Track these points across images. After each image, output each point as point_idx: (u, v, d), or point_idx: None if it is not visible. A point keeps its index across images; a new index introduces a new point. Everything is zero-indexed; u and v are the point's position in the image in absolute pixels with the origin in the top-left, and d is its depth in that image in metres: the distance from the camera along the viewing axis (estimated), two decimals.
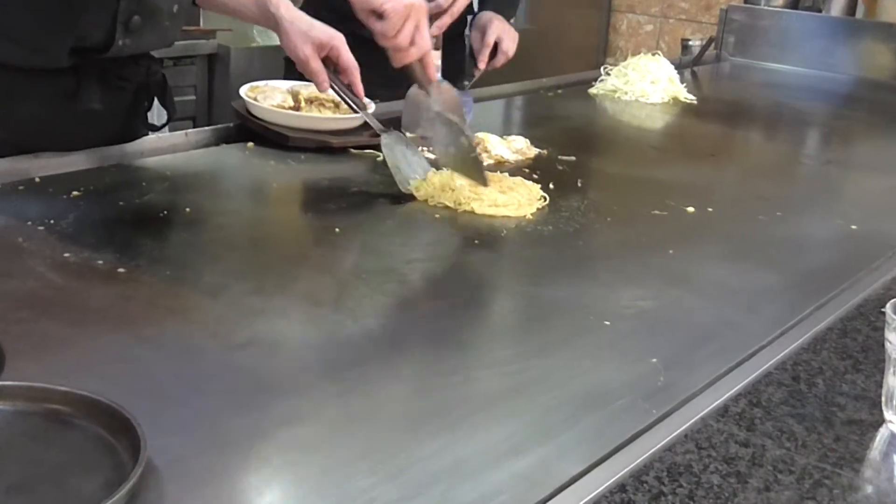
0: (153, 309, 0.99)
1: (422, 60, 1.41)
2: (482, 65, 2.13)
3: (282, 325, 0.98)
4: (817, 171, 1.85)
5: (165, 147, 1.53)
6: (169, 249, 1.16)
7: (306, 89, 1.68)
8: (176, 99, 1.59)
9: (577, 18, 4.50)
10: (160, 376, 0.86)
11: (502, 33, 2.16)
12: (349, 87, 1.53)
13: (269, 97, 1.61)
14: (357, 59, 1.55)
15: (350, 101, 1.55)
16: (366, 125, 1.63)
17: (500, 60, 2.17)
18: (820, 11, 3.06)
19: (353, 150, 1.59)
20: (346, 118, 1.62)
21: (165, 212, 1.27)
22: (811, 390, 0.94)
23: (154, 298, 1.01)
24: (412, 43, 1.38)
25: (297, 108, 1.63)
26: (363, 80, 1.61)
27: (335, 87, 1.51)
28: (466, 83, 2.09)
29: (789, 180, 1.77)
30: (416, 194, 1.39)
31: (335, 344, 0.95)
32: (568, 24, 4.41)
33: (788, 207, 1.52)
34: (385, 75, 1.71)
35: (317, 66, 1.47)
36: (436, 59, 1.92)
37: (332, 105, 1.66)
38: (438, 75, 1.53)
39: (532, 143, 1.71)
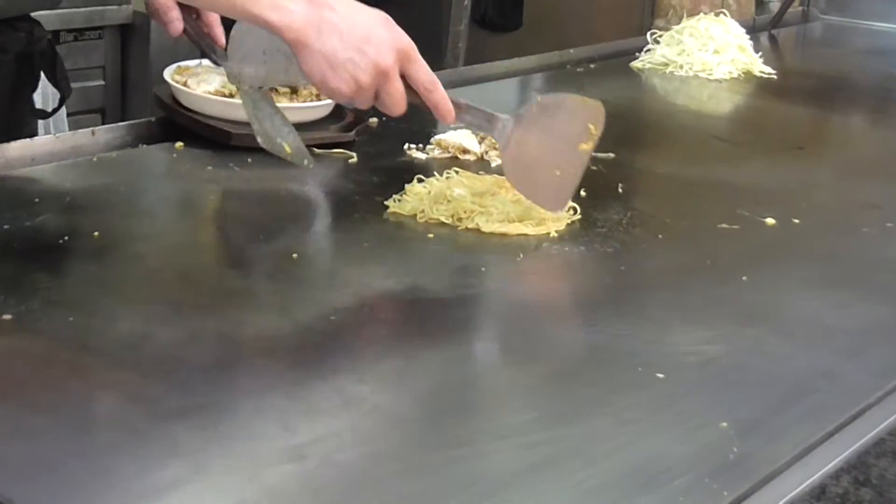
0: (51, 367, 1.00)
1: (431, 100, 1.37)
2: None
3: (225, 384, 0.99)
4: None
5: (65, 150, 1.55)
6: (71, 288, 1.17)
7: None
8: (80, 85, 1.62)
9: None
10: (61, 457, 0.86)
11: None
12: (208, 35, 1.56)
13: (204, 81, 1.63)
14: None
15: (206, 49, 1.57)
16: (333, 115, 1.65)
17: None
18: None
19: (315, 150, 1.61)
20: (308, 106, 1.64)
21: (66, 237, 1.28)
22: None
23: (52, 353, 1.02)
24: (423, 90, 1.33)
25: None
26: None
27: (188, 29, 1.55)
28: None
29: None
30: (397, 209, 1.40)
31: (295, 409, 0.96)
32: None
33: None
34: None
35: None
36: None
37: (286, 91, 1.68)
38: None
39: None
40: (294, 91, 1.68)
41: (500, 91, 2.17)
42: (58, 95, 1.69)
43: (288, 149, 1.46)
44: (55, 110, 1.69)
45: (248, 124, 1.59)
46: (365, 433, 0.94)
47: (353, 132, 1.65)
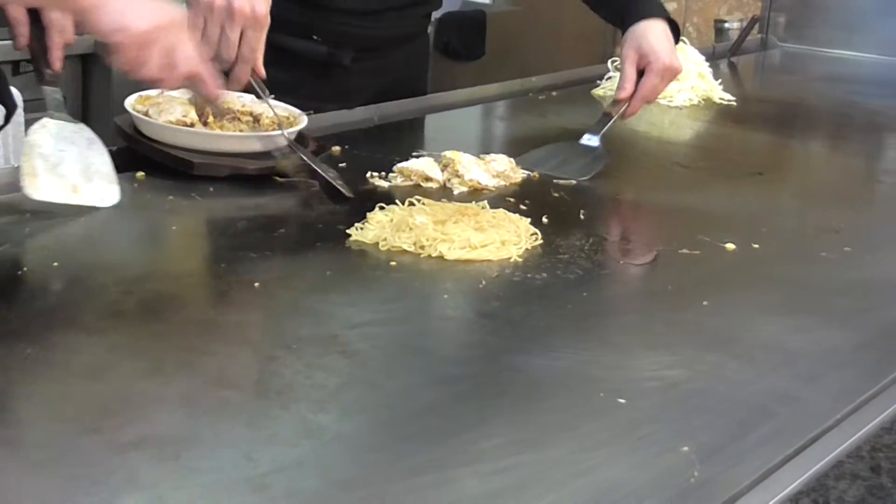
0: (9, 399, 0.99)
1: (193, 79, 1.44)
2: (623, 97, 1.92)
3: (185, 415, 0.99)
4: None
5: None
6: (30, 319, 1.16)
7: None
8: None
9: None
10: (22, 488, 0.86)
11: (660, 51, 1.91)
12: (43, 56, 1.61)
13: (165, 111, 1.63)
14: (281, 77, 1.66)
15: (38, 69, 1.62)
16: (298, 143, 1.66)
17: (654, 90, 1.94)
18: None
19: (277, 179, 1.61)
20: (272, 135, 1.64)
21: (24, 269, 1.27)
22: None
23: (9, 386, 1.02)
24: (168, 68, 1.40)
25: (203, 123, 1.65)
26: (297, 98, 1.72)
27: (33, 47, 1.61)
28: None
29: (862, 205, 1.82)
30: (359, 237, 1.41)
31: (258, 439, 0.96)
32: (564, 4, 4.46)
33: (861, 242, 1.56)
34: (317, 91, 1.97)
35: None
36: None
37: (248, 118, 1.68)
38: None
39: (518, 162, 1.74)
40: (256, 120, 1.68)
41: (463, 118, 2.18)
42: (3, 112, 1.69)
43: (339, 183, 1.54)
44: (1, 127, 1.70)
45: (210, 153, 1.60)
46: (328, 462, 0.94)
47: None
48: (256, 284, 1.26)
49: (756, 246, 1.50)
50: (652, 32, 1.89)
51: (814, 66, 2.98)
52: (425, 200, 1.49)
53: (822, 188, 1.90)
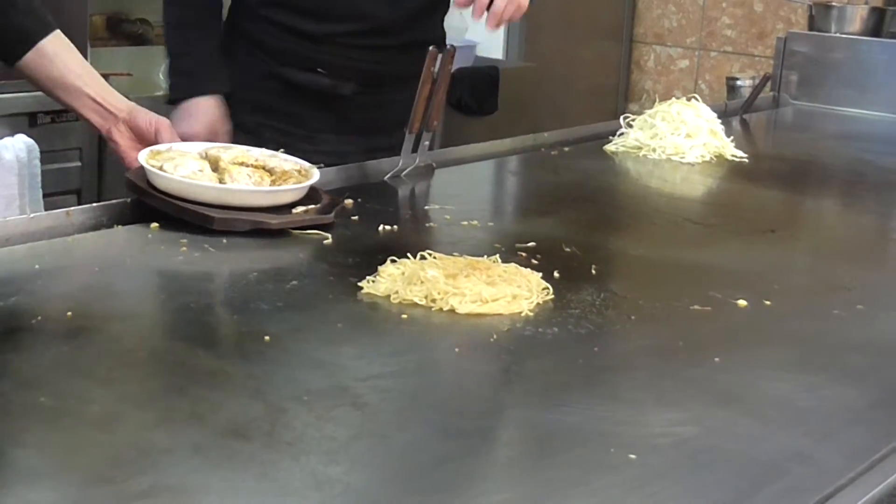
0: (21, 448, 1.00)
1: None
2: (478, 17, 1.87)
3: (196, 466, 0.99)
4: None
5: (39, 230, 1.55)
6: (43, 368, 1.17)
7: (227, 152, 1.72)
8: (56, 166, 1.63)
9: (590, 52, 4.63)
10: None
11: None
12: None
13: (179, 165, 1.64)
14: (287, 108, 1.76)
15: None
16: (309, 197, 1.67)
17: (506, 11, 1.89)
18: None
19: (292, 232, 1.62)
20: (283, 190, 1.65)
21: (38, 318, 1.28)
22: None
23: (21, 434, 1.02)
24: None
25: (218, 177, 1.66)
26: (294, 133, 1.84)
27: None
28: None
29: (874, 263, 1.82)
30: (370, 290, 1.41)
31: (268, 491, 0.96)
32: (577, 61, 4.52)
33: (874, 299, 1.56)
34: (317, 129, 2.15)
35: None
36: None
37: (261, 169, 1.70)
38: None
39: (531, 216, 1.75)
40: (270, 172, 1.70)
41: (475, 172, 2.19)
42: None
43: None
44: None
45: (228, 208, 1.60)
46: None
47: (332, 214, 1.66)
48: (267, 338, 1.27)
49: (768, 303, 1.50)
50: None
51: (826, 124, 3.00)
52: (437, 254, 1.50)
53: (835, 246, 1.90)
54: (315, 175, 1.71)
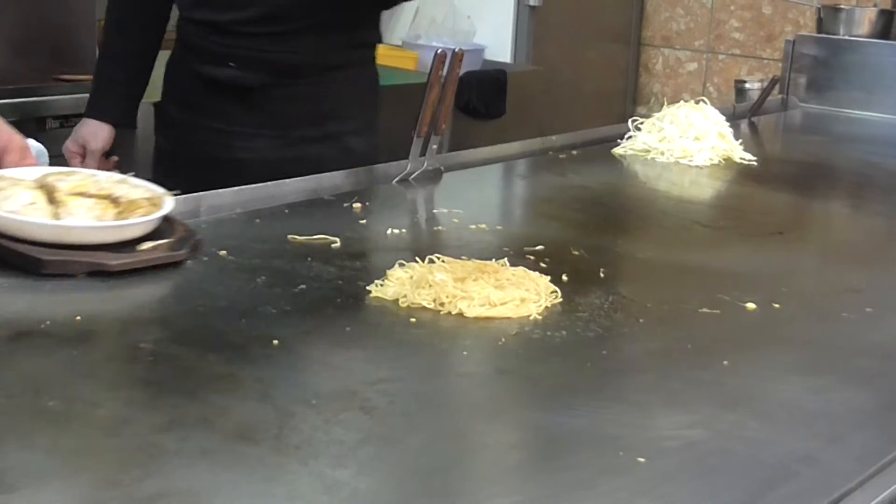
0: (29, 452, 1.00)
1: None
2: None
3: (204, 469, 0.99)
4: None
5: None
6: (51, 372, 1.17)
7: (67, 180, 1.50)
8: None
9: (598, 56, 4.63)
10: None
11: None
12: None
13: (9, 197, 1.43)
14: (213, 106, 1.86)
15: None
16: (162, 229, 1.50)
17: None
18: None
19: (295, 237, 1.61)
20: (136, 223, 1.46)
21: (47, 322, 1.28)
22: None
23: (29, 438, 1.02)
24: None
25: (54, 211, 1.44)
26: (224, 131, 1.87)
27: None
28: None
29: (883, 266, 1.81)
30: (379, 293, 1.41)
31: (276, 495, 0.96)
32: (585, 64, 4.53)
33: (883, 302, 1.56)
34: (244, 126, 2.18)
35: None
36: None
37: (105, 199, 1.49)
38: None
39: (540, 219, 1.75)
40: (115, 203, 1.50)
41: (483, 176, 2.20)
42: None
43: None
44: None
45: (65, 247, 1.40)
46: None
47: (184, 250, 1.48)
48: (275, 342, 1.27)
49: (777, 306, 1.50)
50: None
51: (834, 127, 2.99)
52: (445, 258, 1.50)
53: (844, 248, 1.90)
54: (167, 205, 1.51)
